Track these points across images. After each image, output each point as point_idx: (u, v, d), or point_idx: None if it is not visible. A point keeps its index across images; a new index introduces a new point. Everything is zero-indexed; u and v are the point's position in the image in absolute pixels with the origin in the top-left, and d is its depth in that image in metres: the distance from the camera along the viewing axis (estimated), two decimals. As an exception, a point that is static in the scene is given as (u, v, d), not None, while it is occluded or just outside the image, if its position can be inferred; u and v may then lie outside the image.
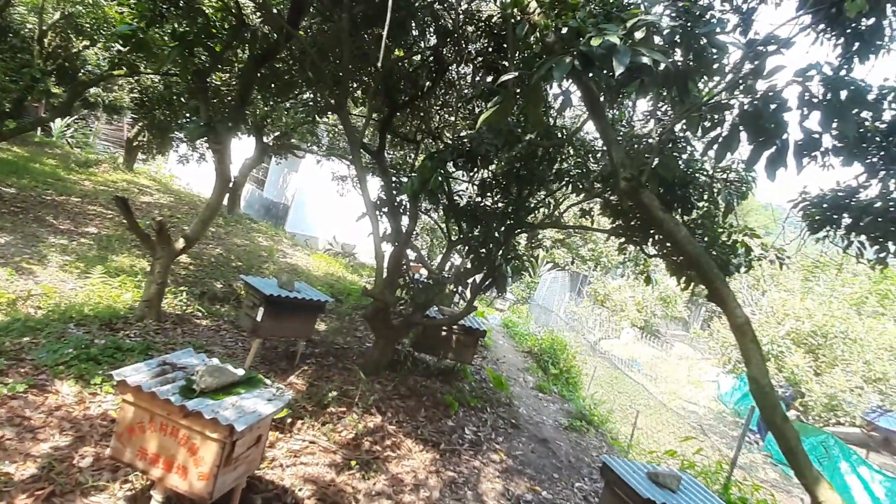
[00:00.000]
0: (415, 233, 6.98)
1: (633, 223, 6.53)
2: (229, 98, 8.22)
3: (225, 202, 15.67)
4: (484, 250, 5.94)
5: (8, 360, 4.54)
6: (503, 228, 5.86)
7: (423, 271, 7.85)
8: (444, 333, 7.15)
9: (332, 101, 5.61)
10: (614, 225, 6.71)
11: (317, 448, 4.62)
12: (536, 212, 6.56)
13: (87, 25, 8.25)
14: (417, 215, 6.06)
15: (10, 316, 5.69)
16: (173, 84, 9.82)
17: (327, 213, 19.40)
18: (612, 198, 6.57)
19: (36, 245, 7.88)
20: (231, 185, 14.82)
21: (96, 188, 12.97)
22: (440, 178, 4.85)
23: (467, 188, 7.34)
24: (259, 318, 5.72)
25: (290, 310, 5.89)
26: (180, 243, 6.32)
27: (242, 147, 16.88)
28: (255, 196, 22.37)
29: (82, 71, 8.60)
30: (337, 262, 15.26)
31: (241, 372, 3.46)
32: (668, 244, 6.22)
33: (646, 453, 8.71)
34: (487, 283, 6.14)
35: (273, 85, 7.74)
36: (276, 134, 13.96)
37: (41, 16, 8.64)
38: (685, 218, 6.07)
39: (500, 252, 5.96)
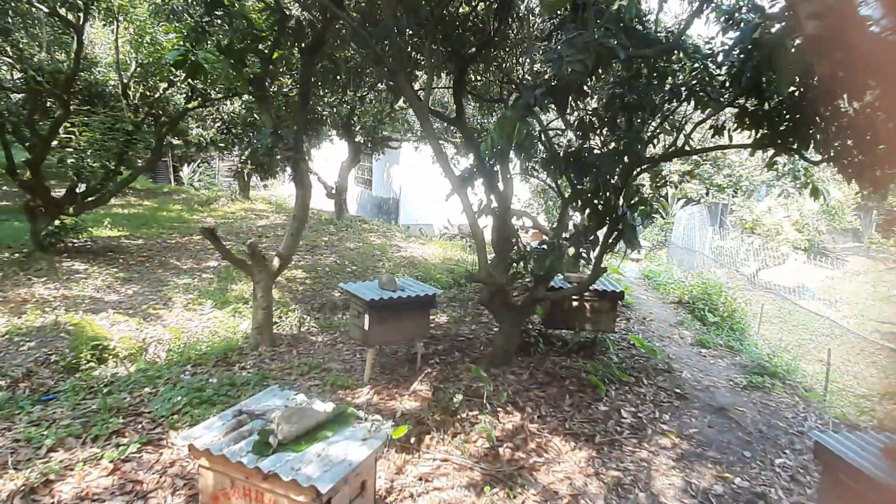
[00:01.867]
0: (521, 198, 6.10)
1: (784, 126, 5.22)
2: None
3: (332, 209, 15.78)
4: (601, 201, 4.96)
5: (126, 416, 4.40)
6: (618, 171, 4.83)
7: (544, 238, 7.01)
8: (575, 304, 6.26)
9: (386, 70, 4.90)
10: (758, 136, 5.43)
11: (450, 467, 4.01)
12: (654, 143, 5.42)
13: (156, 67, 8.30)
14: (510, 178, 5.21)
15: (137, 366, 5.71)
16: (251, 104, 9.72)
17: (437, 198, 19.05)
18: (748, 104, 5.29)
19: (161, 289, 8.11)
20: (334, 191, 14.88)
21: (217, 222, 13.50)
22: (526, 128, 3.97)
23: (566, 134, 6.36)
24: (366, 326, 5.23)
25: (397, 311, 5.34)
26: (276, 262, 6.02)
27: (337, 151, 16.90)
28: (366, 197, 22.58)
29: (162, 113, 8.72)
30: (455, 245, 14.77)
31: (329, 407, 2.90)
32: (848, 137, 4.84)
33: (853, 401, 7.21)
34: (613, 237, 5.15)
35: (338, 77, 7.22)
36: (366, 130, 13.66)
37: (119, 70, 8.85)
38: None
39: (621, 199, 4.95)
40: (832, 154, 5.13)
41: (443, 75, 6.99)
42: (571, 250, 5.52)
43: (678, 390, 5.75)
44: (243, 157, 16.70)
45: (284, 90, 7.53)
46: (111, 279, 8.31)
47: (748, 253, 18.56)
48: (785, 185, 21.32)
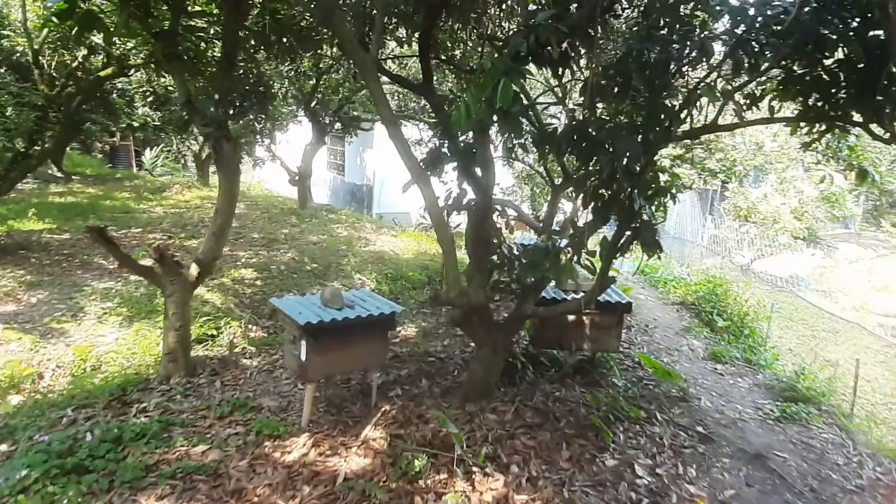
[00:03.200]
0: (503, 186, 4.85)
1: (844, 95, 4.06)
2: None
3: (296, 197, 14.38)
4: (610, 190, 3.74)
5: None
6: (635, 149, 3.59)
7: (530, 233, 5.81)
8: (572, 318, 5.05)
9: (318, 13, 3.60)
10: (804, 108, 4.28)
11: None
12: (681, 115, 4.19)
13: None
14: (492, 161, 3.95)
15: (3, 408, 4.41)
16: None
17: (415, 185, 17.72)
18: (796, 65, 4.11)
19: (74, 296, 6.73)
20: (296, 177, 13.49)
21: (166, 213, 12.07)
22: (515, 87, 2.72)
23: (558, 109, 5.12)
24: (303, 357, 3.98)
25: (343, 336, 4.10)
26: (193, 271, 4.70)
27: (305, 133, 15.52)
28: (339, 183, 21.17)
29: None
30: (432, 237, 13.50)
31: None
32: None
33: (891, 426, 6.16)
34: (626, 238, 3.94)
35: (283, 39, 5.87)
36: (329, 107, 12.28)
37: (28, 35, 7.37)
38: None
39: (637, 186, 3.74)
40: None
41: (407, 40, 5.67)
42: (566, 253, 4.32)
43: (701, 428, 4.59)
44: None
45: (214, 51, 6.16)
46: (14, 284, 6.91)
47: (743, 242, 17.58)
48: (781, 170, 20.38)
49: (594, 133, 3.47)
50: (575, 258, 4.29)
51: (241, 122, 11.70)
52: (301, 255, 9.49)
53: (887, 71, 3.78)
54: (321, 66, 9.99)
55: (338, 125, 13.39)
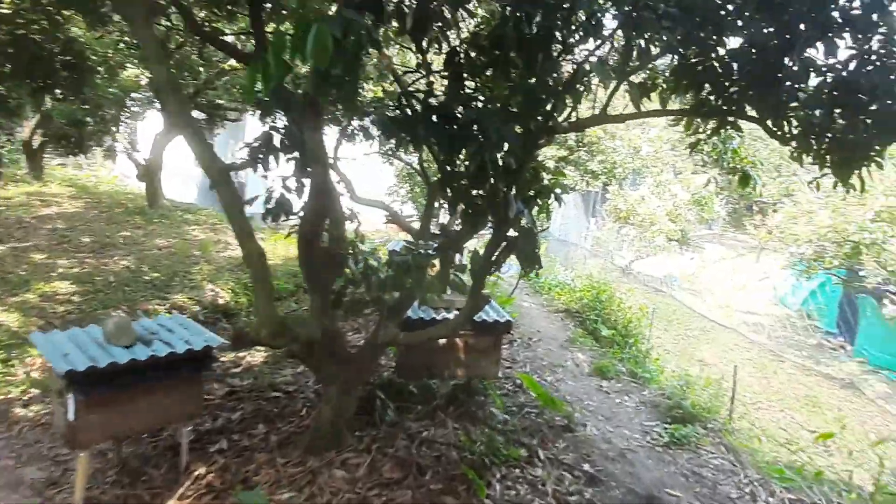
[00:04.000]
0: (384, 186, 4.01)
1: (736, 88, 3.63)
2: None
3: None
4: (481, 189, 2.99)
5: None
6: (511, 138, 2.85)
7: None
8: (443, 342, 4.28)
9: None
10: (697, 100, 3.84)
11: None
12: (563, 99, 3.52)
13: None
14: (319, 146, 3.03)
15: None
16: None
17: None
18: (689, 52, 3.65)
19: None
20: (145, 170, 11.78)
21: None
22: (338, 31, 1.85)
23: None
24: (71, 415, 2.87)
25: (133, 383, 3.03)
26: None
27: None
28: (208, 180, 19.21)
29: None
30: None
31: None
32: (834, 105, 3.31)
33: (779, 444, 6.02)
34: (502, 249, 3.21)
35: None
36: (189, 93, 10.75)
37: None
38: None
39: (515, 185, 3.02)
40: (802, 128, 3.61)
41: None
42: (433, 266, 3.53)
43: (588, 465, 3.99)
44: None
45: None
46: None
47: (623, 243, 18.00)
48: (656, 173, 21.21)
49: (459, 115, 2.69)
50: (443, 272, 3.52)
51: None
52: (140, 262, 8.03)
53: (785, 63, 3.38)
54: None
55: (197, 113, 11.83)
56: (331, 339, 3.60)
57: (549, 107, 2.92)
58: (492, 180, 2.99)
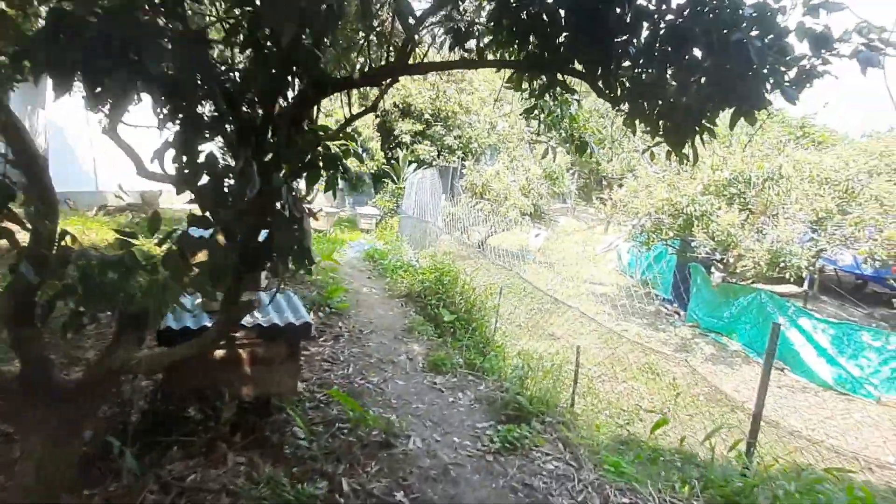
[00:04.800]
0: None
1: (562, 40, 3.06)
2: None
3: None
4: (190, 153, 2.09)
5: None
6: (261, 90, 1.96)
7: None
8: (222, 354, 3.35)
9: None
10: (522, 54, 3.24)
11: None
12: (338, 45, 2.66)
13: None
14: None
15: None
16: None
17: (108, 154, 14.01)
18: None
19: None
20: None
21: None
22: None
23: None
24: None
25: None
26: None
27: None
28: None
29: None
30: (117, 222, 10.55)
31: None
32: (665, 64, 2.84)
33: (616, 416, 5.82)
34: (253, 251, 2.33)
35: None
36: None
37: None
38: None
39: (262, 151, 2.16)
40: (633, 88, 3.14)
41: None
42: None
43: (401, 494, 3.31)
44: None
45: None
46: None
47: (479, 219, 17.86)
48: (511, 148, 21.37)
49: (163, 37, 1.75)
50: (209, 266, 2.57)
51: None
52: None
53: (615, 11, 2.85)
54: None
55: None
56: (36, 370, 2.55)
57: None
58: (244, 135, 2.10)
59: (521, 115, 4.68)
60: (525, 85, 3.71)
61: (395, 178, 19.11)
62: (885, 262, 10.71)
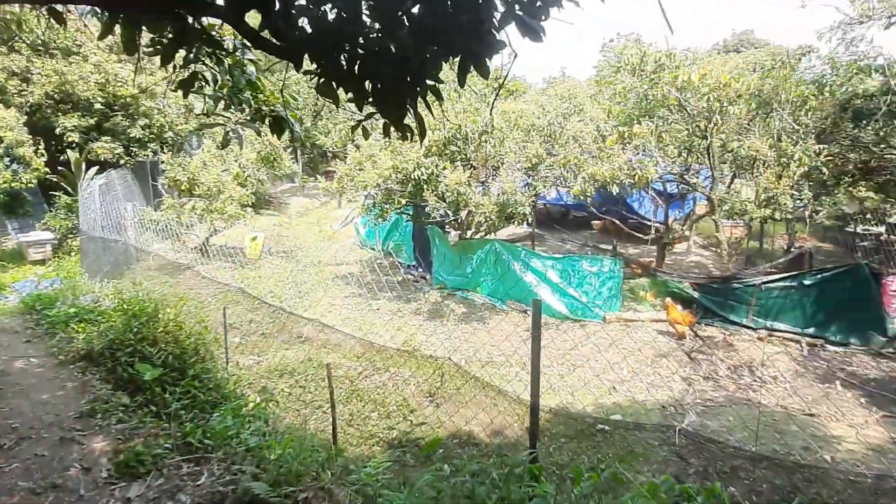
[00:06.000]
0: None
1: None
2: None
3: None
4: None
5: None
6: None
7: None
8: None
9: None
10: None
11: None
12: None
13: None
14: None
15: None
16: None
17: None
18: None
19: None
20: None
21: None
22: None
23: None
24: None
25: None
26: None
27: None
28: None
29: None
30: None
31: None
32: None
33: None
34: None
35: None
36: None
37: None
38: None
39: None
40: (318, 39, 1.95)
41: None
42: None
43: None
44: None
45: None
46: None
47: (193, 219, 15.30)
48: (219, 134, 18.74)
49: None
50: None
51: None
52: None
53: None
54: None
55: None
56: None
57: None
58: None
59: (173, 89, 3.19)
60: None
61: (68, 188, 15.21)
62: (583, 191, 11.59)
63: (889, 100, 9.99)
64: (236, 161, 15.58)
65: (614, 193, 10.63)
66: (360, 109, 2.08)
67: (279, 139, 3.77)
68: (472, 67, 2.09)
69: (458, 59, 2.05)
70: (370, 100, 2.18)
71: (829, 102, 11.14)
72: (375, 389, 8.46)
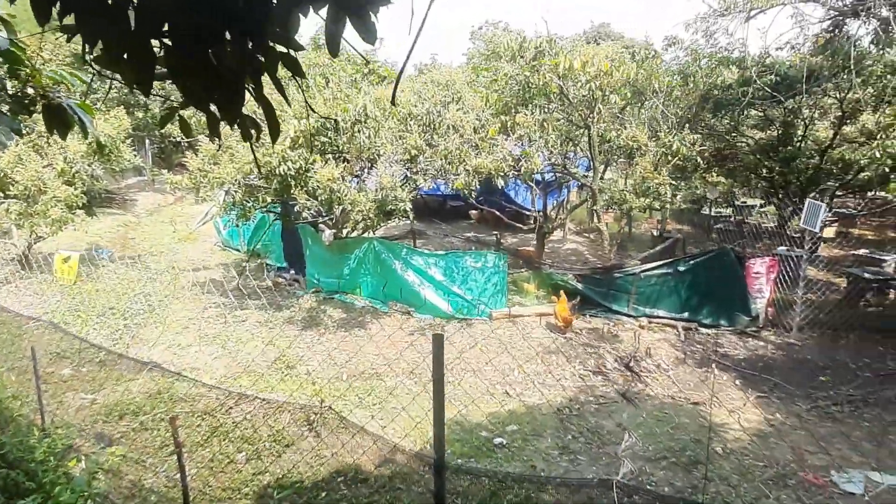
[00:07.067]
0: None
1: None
2: None
3: None
4: None
5: None
6: None
7: None
8: None
9: None
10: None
11: None
12: None
13: None
14: None
15: None
16: None
17: None
18: None
19: None
20: None
21: None
22: None
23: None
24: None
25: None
26: None
27: None
28: None
29: None
30: None
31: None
32: None
33: None
34: None
35: None
36: None
37: None
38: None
39: None
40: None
41: None
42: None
43: None
44: None
45: None
46: None
47: (7, 226, 12.70)
48: (29, 120, 15.80)
49: None
50: None
51: None
52: None
53: None
54: None
55: None
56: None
57: None
58: None
59: None
60: None
61: None
62: (466, 184, 10.98)
63: (747, 90, 10.40)
64: (61, 154, 13.10)
65: (499, 186, 10.16)
66: (146, 94, 1.12)
67: (63, 138, 2.72)
68: (347, 22, 1.20)
69: (325, 8, 1.15)
70: (177, 75, 1.20)
71: (692, 93, 11.49)
72: (242, 422, 7.25)
